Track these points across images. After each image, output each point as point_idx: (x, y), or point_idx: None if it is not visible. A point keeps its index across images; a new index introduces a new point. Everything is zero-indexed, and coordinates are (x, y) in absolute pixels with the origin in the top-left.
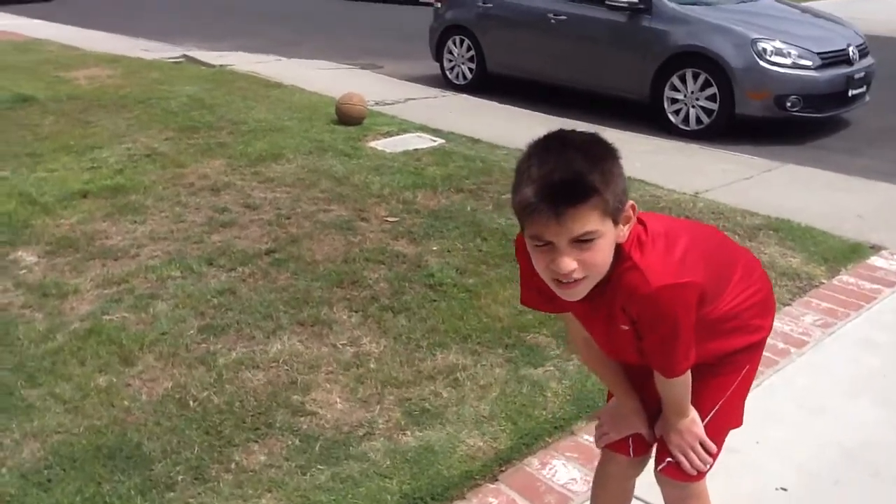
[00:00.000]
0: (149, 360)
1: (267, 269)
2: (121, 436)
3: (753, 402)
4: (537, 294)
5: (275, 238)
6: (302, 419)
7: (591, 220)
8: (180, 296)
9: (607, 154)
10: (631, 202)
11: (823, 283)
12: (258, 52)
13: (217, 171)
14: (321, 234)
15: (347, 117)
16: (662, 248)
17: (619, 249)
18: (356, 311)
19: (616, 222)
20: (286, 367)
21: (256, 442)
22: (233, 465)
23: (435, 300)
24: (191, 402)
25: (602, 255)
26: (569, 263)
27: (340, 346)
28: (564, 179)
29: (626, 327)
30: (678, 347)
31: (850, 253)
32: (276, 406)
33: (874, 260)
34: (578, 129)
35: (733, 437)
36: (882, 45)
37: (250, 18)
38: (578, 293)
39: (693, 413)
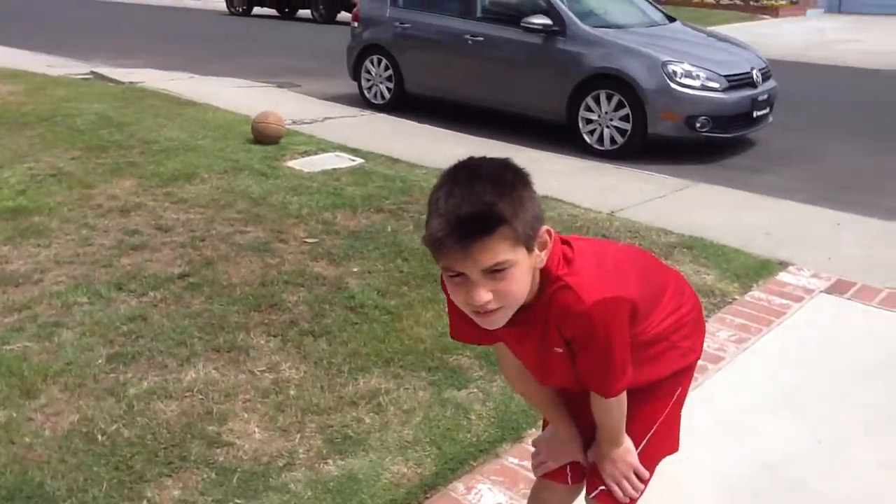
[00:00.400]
0: (53, 393)
1: (180, 293)
2: (21, 475)
3: None
4: (467, 326)
5: (189, 261)
6: (218, 451)
7: (500, 251)
8: (87, 323)
9: (517, 181)
10: (546, 227)
11: (736, 300)
12: (171, 69)
13: (127, 192)
14: (237, 257)
15: (264, 136)
16: (592, 264)
17: (545, 272)
18: (275, 336)
19: (529, 249)
20: (201, 397)
21: (170, 476)
22: (144, 502)
23: (356, 323)
24: (99, 436)
25: (517, 285)
26: (482, 295)
27: (259, 373)
28: (470, 213)
29: (560, 350)
30: (614, 363)
31: (761, 269)
32: (191, 438)
33: (783, 276)
34: (489, 156)
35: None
36: (782, 69)
37: (163, 36)
38: (497, 322)
39: (627, 441)
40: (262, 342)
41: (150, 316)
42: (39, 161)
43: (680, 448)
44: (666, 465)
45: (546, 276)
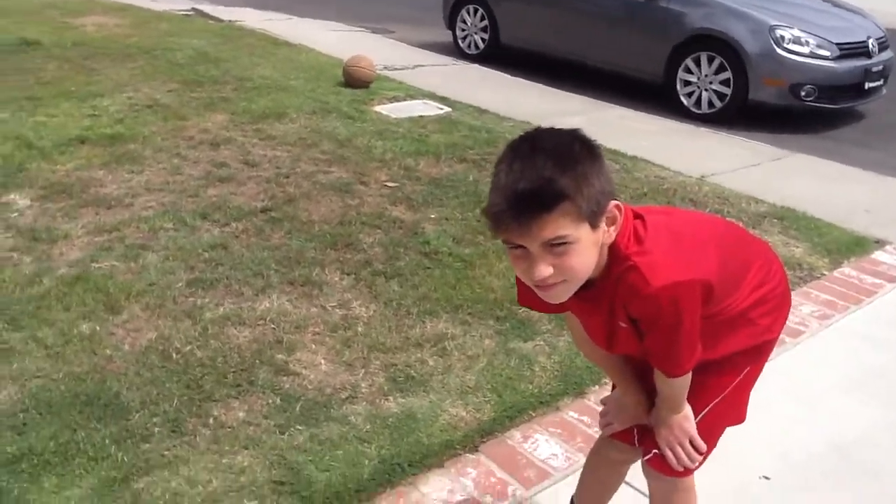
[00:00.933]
0: (134, 310)
1: (261, 226)
2: (100, 384)
3: None
4: (533, 293)
5: (271, 196)
6: (284, 378)
7: (561, 226)
8: (171, 248)
9: (582, 155)
10: (616, 202)
11: (825, 275)
12: (269, 9)
13: (218, 126)
14: (319, 195)
15: (354, 80)
16: (665, 244)
17: (614, 249)
18: (348, 274)
19: (594, 225)
20: (272, 326)
21: (237, 398)
22: (211, 421)
23: (429, 268)
24: (173, 355)
25: (579, 260)
26: (542, 269)
27: (329, 308)
28: (528, 189)
29: (625, 326)
30: (682, 347)
31: (854, 246)
32: (260, 364)
33: (878, 254)
34: (558, 127)
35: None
36: None
37: None
38: (559, 296)
39: (687, 409)
40: (336, 279)
41: (231, 245)
42: (139, 91)
43: (748, 418)
44: (731, 432)
45: (615, 254)
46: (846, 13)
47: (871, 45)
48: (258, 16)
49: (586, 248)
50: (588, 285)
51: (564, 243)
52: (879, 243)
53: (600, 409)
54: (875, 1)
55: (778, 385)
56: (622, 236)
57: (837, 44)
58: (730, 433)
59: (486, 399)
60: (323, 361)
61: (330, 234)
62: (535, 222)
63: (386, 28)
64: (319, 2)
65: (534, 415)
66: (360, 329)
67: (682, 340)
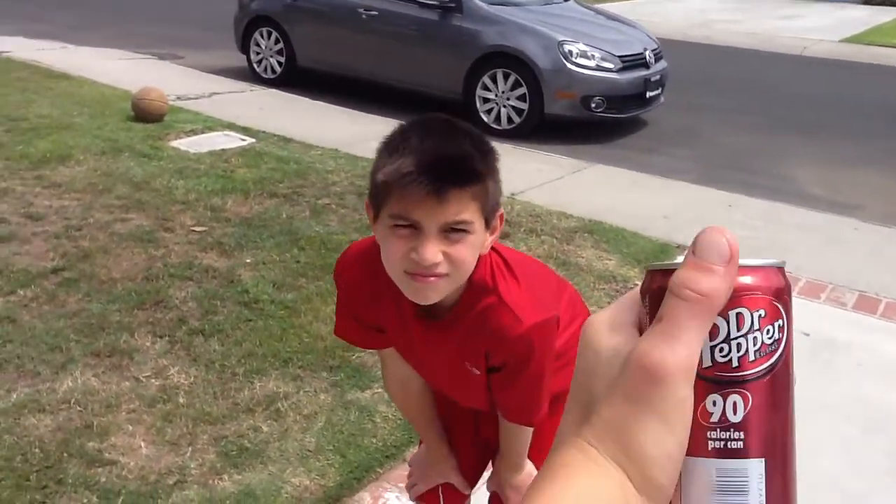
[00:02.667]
0: None
1: (54, 290)
2: None
3: None
4: (355, 323)
5: (63, 254)
6: (100, 470)
7: (467, 208)
8: None
9: (492, 148)
10: (501, 210)
11: (637, 285)
12: (40, 37)
13: None
14: (118, 248)
15: (146, 113)
16: (527, 279)
17: (476, 279)
18: (161, 337)
19: (487, 225)
20: (79, 409)
21: (44, 503)
22: None
23: (250, 320)
24: None
25: (470, 254)
26: (434, 252)
27: (144, 380)
28: (454, 156)
29: (478, 373)
30: (543, 391)
31: (660, 253)
32: (68, 457)
33: (681, 259)
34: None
35: None
36: (666, 49)
37: (30, 0)
38: (434, 294)
39: (528, 465)
40: (148, 344)
41: (19, 317)
42: None
43: None
44: None
45: (477, 285)
46: (623, 26)
47: (648, 56)
48: (28, 45)
49: (475, 246)
50: (439, 313)
51: (463, 231)
52: (680, 248)
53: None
54: (645, 13)
55: None
56: (484, 266)
57: (619, 56)
58: None
59: (330, 462)
60: (143, 444)
61: (135, 291)
62: (448, 194)
63: (174, 53)
64: (94, 27)
65: (381, 471)
66: (181, 400)
67: (545, 384)
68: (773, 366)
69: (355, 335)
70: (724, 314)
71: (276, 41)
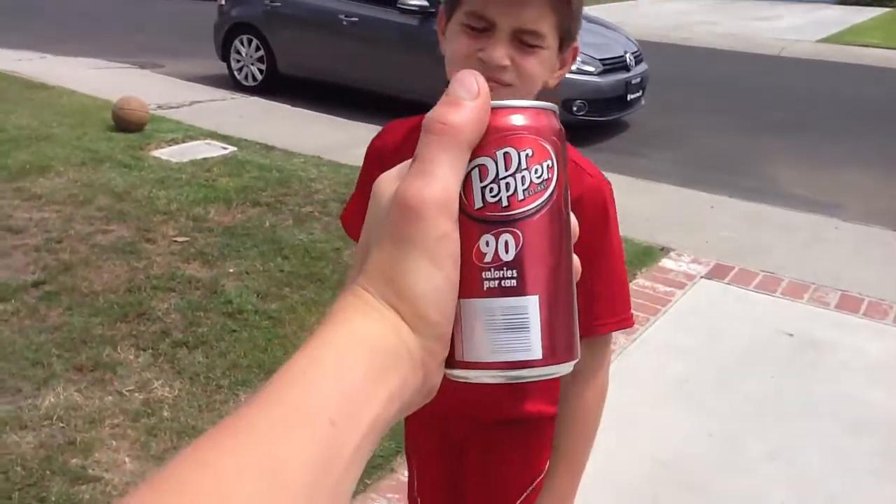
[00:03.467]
0: None
1: (34, 304)
2: None
3: None
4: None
5: (43, 267)
6: (83, 487)
7: (547, 20)
8: None
9: None
10: (576, 44)
11: None
12: (18, 47)
13: None
14: (100, 260)
15: (126, 123)
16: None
17: None
18: (144, 350)
19: (562, 47)
20: (61, 425)
21: None
22: None
23: (235, 330)
24: None
25: (539, 70)
26: (503, 55)
27: (127, 394)
28: None
29: None
30: (625, 275)
31: (644, 256)
32: (51, 474)
33: (665, 262)
34: None
35: None
36: (646, 51)
37: (5, 11)
38: (498, 97)
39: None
40: (131, 357)
41: (0, 332)
42: None
43: None
44: None
45: None
46: (603, 29)
47: (628, 59)
48: (6, 55)
49: (545, 65)
50: None
51: (536, 45)
52: (664, 250)
53: None
54: (623, 15)
55: None
56: None
57: (600, 59)
58: None
59: None
60: (127, 459)
61: (118, 304)
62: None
63: (154, 62)
64: (73, 37)
65: (369, 482)
66: (165, 414)
67: (624, 267)
68: (542, 205)
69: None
70: (491, 154)
71: (257, 48)
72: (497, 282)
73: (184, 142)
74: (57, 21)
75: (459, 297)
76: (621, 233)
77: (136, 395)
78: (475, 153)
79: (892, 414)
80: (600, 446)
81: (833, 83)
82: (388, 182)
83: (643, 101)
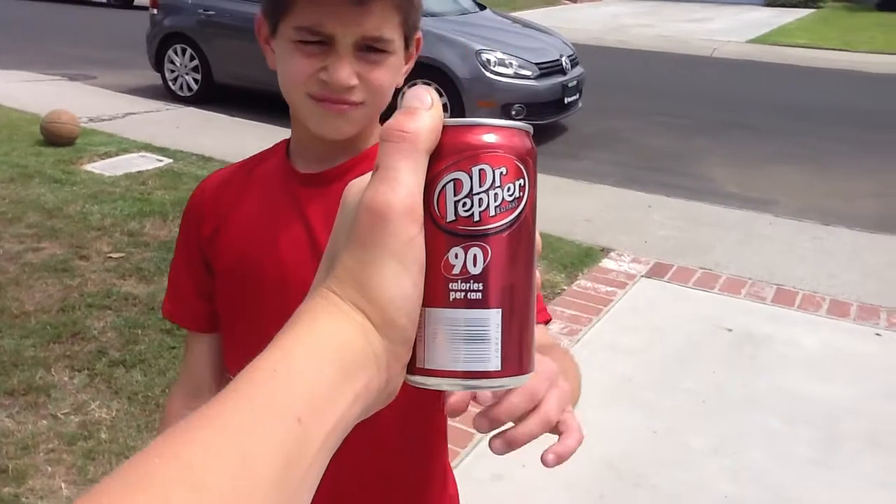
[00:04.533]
0: None
1: None
2: None
3: None
4: (185, 299)
5: None
6: None
7: (392, 23)
8: None
9: None
10: (419, 34)
11: (565, 290)
12: None
13: None
14: (31, 279)
15: (56, 137)
16: None
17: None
18: (80, 371)
19: (407, 45)
20: None
21: None
22: None
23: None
24: None
25: (389, 79)
26: (350, 74)
27: (62, 416)
28: None
29: None
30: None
31: (585, 257)
32: None
33: (605, 262)
34: None
35: (498, 466)
36: (583, 54)
37: None
38: (348, 125)
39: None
40: (66, 379)
41: None
42: None
43: (519, 455)
44: (509, 474)
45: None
46: (539, 34)
47: (564, 63)
48: None
49: (394, 70)
50: (331, 175)
51: (383, 51)
52: (605, 251)
53: None
54: (558, 19)
55: None
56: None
57: (536, 63)
58: (511, 474)
59: None
60: (63, 485)
61: (51, 324)
62: (370, 2)
63: (85, 74)
64: (2, 49)
65: None
66: (103, 436)
67: None
68: (512, 222)
69: (184, 314)
70: (467, 169)
71: (192, 58)
72: (463, 294)
73: (117, 155)
74: None
75: (424, 305)
76: (562, 234)
77: (72, 417)
78: (451, 167)
79: (828, 404)
80: (546, 446)
81: (763, 82)
82: (356, 189)
83: (580, 104)
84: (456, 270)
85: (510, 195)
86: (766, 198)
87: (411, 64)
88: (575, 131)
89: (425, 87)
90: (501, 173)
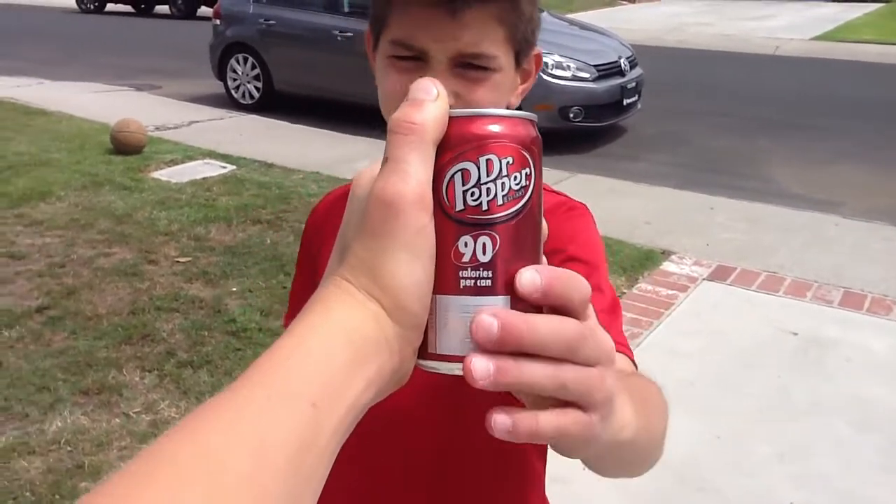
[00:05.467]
0: None
1: (39, 329)
2: None
3: None
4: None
5: (47, 292)
6: None
7: (492, 36)
8: None
9: None
10: (539, 49)
11: (625, 293)
12: (15, 74)
13: None
14: (103, 283)
15: (125, 146)
16: None
17: None
18: (150, 371)
19: (519, 62)
20: (69, 449)
21: None
22: None
23: (239, 349)
24: None
25: (492, 100)
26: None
27: (134, 415)
28: None
29: None
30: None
31: (645, 260)
32: (60, 499)
33: (666, 265)
34: None
35: (560, 467)
36: (641, 54)
37: (3, 38)
38: None
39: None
40: (136, 379)
41: (5, 359)
42: None
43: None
44: (566, 477)
45: None
46: (597, 35)
47: (623, 64)
48: (3, 82)
49: (502, 89)
50: None
51: (486, 68)
52: (665, 254)
53: None
54: (616, 20)
55: None
56: None
57: (595, 65)
58: (568, 476)
59: None
60: None
61: (122, 326)
62: (470, 13)
63: (151, 84)
64: (70, 61)
65: None
66: None
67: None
68: (519, 210)
69: None
70: (474, 159)
71: (253, 66)
72: (473, 281)
73: (183, 162)
74: (52, 46)
75: (435, 292)
76: (622, 237)
77: (143, 416)
78: (458, 158)
79: None
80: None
81: (827, 81)
82: (366, 180)
83: (639, 106)
84: (466, 258)
85: (517, 184)
86: (832, 199)
87: (530, 83)
88: (634, 133)
89: (430, 78)
90: (508, 163)
